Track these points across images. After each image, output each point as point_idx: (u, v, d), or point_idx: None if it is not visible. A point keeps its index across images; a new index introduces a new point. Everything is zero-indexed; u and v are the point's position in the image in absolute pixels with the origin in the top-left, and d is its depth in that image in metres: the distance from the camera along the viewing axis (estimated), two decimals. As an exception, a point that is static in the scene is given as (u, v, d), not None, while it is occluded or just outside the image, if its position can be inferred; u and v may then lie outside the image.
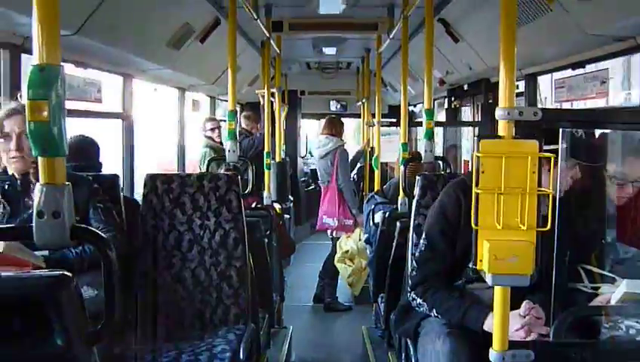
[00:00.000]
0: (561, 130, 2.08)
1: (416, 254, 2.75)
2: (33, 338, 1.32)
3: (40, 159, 1.44)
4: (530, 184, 1.72)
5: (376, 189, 6.08)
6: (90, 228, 1.52)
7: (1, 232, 1.83)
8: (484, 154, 1.74)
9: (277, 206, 5.86)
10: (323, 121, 7.23)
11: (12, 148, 2.62)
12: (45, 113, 1.36)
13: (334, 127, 6.93)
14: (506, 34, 1.77)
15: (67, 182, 1.45)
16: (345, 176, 6.79)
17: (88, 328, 1.41)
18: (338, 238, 6.95)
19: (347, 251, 6.73)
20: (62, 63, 1.45)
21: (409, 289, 2.65)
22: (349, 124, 11.89)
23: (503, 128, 1.75)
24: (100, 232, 1.49)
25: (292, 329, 5.43)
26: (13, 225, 2.54)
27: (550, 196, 1.73)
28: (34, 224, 1.43)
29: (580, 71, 4.08)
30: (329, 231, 7.08)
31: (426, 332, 2.62)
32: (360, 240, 6.64)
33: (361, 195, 8.34)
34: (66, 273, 1.36)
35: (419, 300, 2.62)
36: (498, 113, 1.75)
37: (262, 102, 6.44)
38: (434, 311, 2.55)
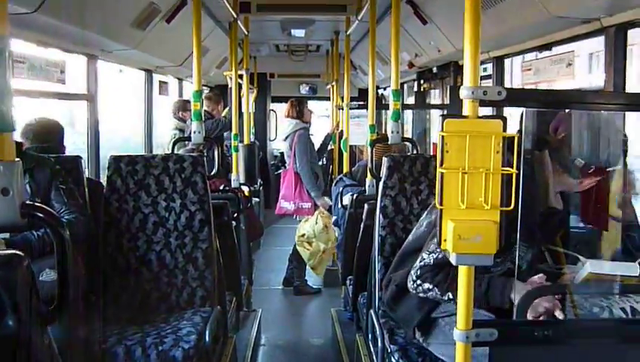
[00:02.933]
0: (524, 109, 2.09)
1: (432, 243, 2.63)
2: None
3: None
4: (495, 164, 1.72)
5: (345, 171, 6.07)
6: (42, 206, 1.48)
7: None
8: (448, 133, 1.73)
9: (245, 188, 5.82)
10: None
11: None
12: (-12, 87, 1.32)
13: (294, 109, 6.86)
14: (470, 12, 1.76)
15: (17, 159, 1.41)
16: (302, 158, 6.66)
17: (41, 309, 1.38)
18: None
19: (303, 235, 6.70)
20: (18, 40, 1.40)
21: (414, 277, 2.51)
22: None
23: (467, 108, 1.75)
24: (52, 211, 1.46)
25: (261, 312, 5.43)
26: None
27: (514, 175, 1.73)
28: None
29: (547, 53, 4.10)
30: (294, 216, 7.05)
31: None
32: (316, 223, 6.62)
33: (331, 178, 8.33)
34: (18, 253, 1.32)
35: (427, 285, 2.47)
36: (463, 93, 1.74)
37: (230, 85, 6.37)
38: (448, 294, 2.43)
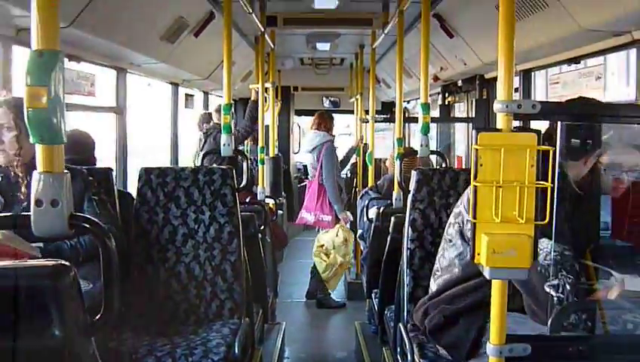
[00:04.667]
0: (559, 123, 2.08)
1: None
2: (31, 328, 1.30)
3: (38, 147, 1.42)
4: (529, 177, 1.72)
5: (370, 185, 6.07)
6: (89, 216, 1.51)
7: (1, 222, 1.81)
8: (482, 147, 1.73)
9: (270, 201, 5.84)
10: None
11: None
12: (44, 100, 1.35)
13: (322, 122, 6.88)
14: (504, 26, 1.76)
15: (66, 171, 1.43)
16: (329, 171, 6.70)
17: (86, 319, 1.39)
18: (326, 233, 6.94)
19: (322, 245, 6.70)
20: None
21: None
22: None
23: (501, 121, 1.75)
24: (99, 221, 1.48)
25: (285, 324, 5.43)
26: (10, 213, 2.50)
27: (549, 189, 1.73)
28: (32, 212, 1.41)
29: (575, 67, 4.08)
30: (317, 228, 7.05)
31: None
32: (337, 235, 6.62)
33: (355, 191, 8.33)
34: (64, 263, 1.34)
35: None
36: (496, 106, 1.74)
37: (253, 97, 6.41)
38: None
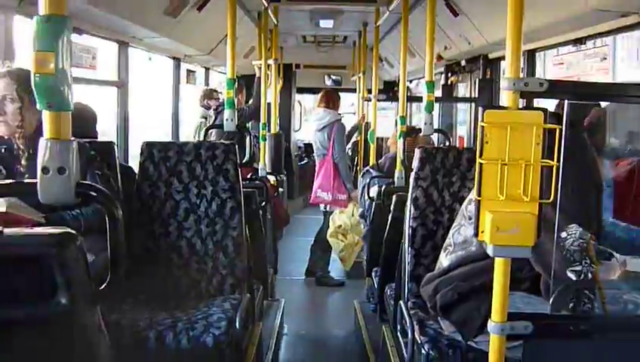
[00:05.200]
0: (566, 101, 2.07)
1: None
2: (37, 296, 1.30)
3: (45, 113, 1.41)
4: (535, 155, 1.71)
5: (371, 163, 6.06)
6: (96, 185, 1.50)
7: (5, 188, 1.80)
8: (488, 124, 1.73)
9: (271, 178, 5.84)
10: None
11: None
12: (52, 65, 1.33)
13: (331, 100, 6.86)
14: (513, 3, 1.74)
15: (73, 139, 1.42)
16: (341, 150, 6.71)
17: (92, 287, 1.39)
18: (331, 213, 6.94)
19: (340, 226, 6.72)
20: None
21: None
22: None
23: (508, 99, 1.74)
24: (106, 190, 1.47)
25: (284, 301, 5.44)
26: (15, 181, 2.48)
27: (554, 167, 1.72)
28: (38, 180, 1.40)
29: (580, 47, 4.05)
30: (322, 206, 7.05)
31: None
32: (353, 215, 6.63)
33: (356, 170, 8.33)
34: (70, 231, 1.34)
35: None
36: (504, 84, 1.73)
37: (258, 74, 6.38)
38: None
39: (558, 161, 1.73)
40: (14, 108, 2.58)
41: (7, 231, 1.32)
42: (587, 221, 2.47)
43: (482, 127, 1.73)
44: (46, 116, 1.41)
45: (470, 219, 2.78)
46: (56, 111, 1.41)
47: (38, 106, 1.40)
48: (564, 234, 2.30)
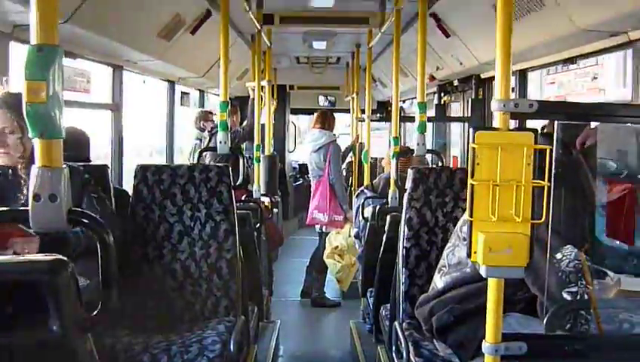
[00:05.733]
0: (556, 122, 2.08)
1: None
2: (28, 323, 1.30)
3: (37, 141, 1.41)
4: (526, 176, 1.72)
5: (365, 184, 6.08)
6: (87, 212, 1.51)
7: None
8: (479, 145, 1.73)
9: (266, 199, 5.84)
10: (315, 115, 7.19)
11: None
12: (43, 94, 1.34)
13: (327, 121, 6.90)
14: (502, 25, 1.76)
15: (64, 166, 1.43)
16: (337, 170, 6.75)
17: (83, 315, 1.39)
18: (327, 233, 6.94)
19: (337, 247, 6.71)
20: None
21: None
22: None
23: (499, 120, 1.75)
24: (97, 217, 1.47)
25: (279, 323, 5.43)
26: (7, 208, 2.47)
27: (545, 188, 1.73)
28: (30, 207, 1.40)
29: (571, 67, 4.09)
30: (317, 226, 7.05)
31: None
32: (350, 236, 6.63)
33: (350, 190, 8.34)
34: (62, 258, 1.34)
35: None
36: (494, 105, 1.74)
37: (252, 96, 6.41)
38: None
39: (550, 181, 1.74)
40: (15, 138, 2.56)
41: (-1, 257, 1.32)
42: (581, 242, 2.48)
43: (473, 148, 1.74)
44: (38, 144, 1.42)
45: (464, 240, 2.78)
46: (47, 139, 1.41)
47: (30, 135, 1.41)
48: (559, 256, 2.31)
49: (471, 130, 1.77)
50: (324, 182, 6.75)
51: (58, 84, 1.38)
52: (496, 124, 1.76)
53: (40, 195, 1.41)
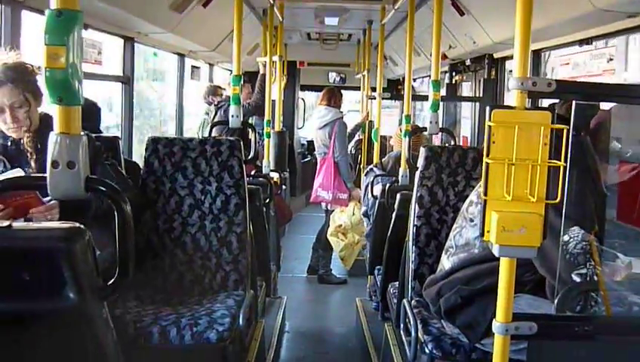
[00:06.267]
0: (574, 102, 2.06)
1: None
2: (45, 290, 1.30)
3: (55, 108, 1.40)
4: (542, 156, 1.71)
5: (374, 162, 6.06)
6: (105, 180, 1.50)
7: (15, 182, 1.79)
8: (495, 124, 1.72)
9: (275, 175, 5.84)
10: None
11: (8, 121, 2.55)
12: (62, 60, 1.33)
13: (333, 98, 6.84)
14: (522, 2, 1.74)
15: (82, 133, 1.42)
16: (342, 148, 6.70)
17: (99, 283, 1.39)
18: (332, 211, 6.94)
19: (340, 225, 6.71)
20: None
21: None
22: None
23: (516, 99, 1.73)
24: (114, 184, 1.47)
25: (286, 299, 5.45)
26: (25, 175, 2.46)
27: (561, 168, 1.72)
28: (47, 174, 1.40)
29: (586, 48, 4.04)
30: (323, 204, 7.04)
31: None
32: (354, 214, 6.63)
33: (359, 168, 8.32)
34: (79, 225, 1.34)
35: None
36: (512, 83, 1.73)
37: (262, 71, 6.37)
38: None
39: (565, 161, 1.72)
40: (23, 112, 2.57)
41: (15, 225, 1.32)
42: (588, 225, 2.47)
43: (489, 126, 1.72)
44: (56, 110, 1.41)
45: (471, 221, 2.77)
46: (66, 105, 1.40)
47: (48, 101, 1.40)
48: (566, 238, 2.30)
49: (487, 108, 1.75)
50: (328, 159, 6.72)
51: (77, 51, 1.37)
52: (511, 102, 1.75)
53: (58, 162, 1.40)
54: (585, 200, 2.46)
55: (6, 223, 1.34)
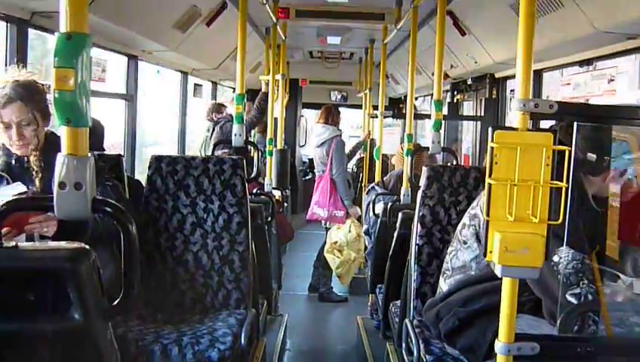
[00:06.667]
0: (575, 123, 2.08)
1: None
2: (51, 311, 1.31)
3: (63, 129, 1.42)
4: (544, 177, 1.72)
5: (376, 180, 6.07)
6: (111, 201, 1.51)
7: (21, 203, 1.80)
8: (498, 145, 1.73)
9: (277, 193, 5.84)
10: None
11: (14, 138, 2.55)
12: (71, 82, 1.35)
13: (331, 116, 6.84)
14: (524, 25, 1.76)
15: (89, 155, 1.43)
16: (339, 166, 6.67)
17: (104, 303, 1.40)
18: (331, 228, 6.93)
19: (336, 242, 6.69)
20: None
21: None
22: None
23: (518, 120, 1.75)
24: (120, 207, 1.48)
25: (287, 317, 5.44)
26: (31, 196, 2.46)
27: (563, 189, 1.73)
28: (54, 195, 1.41)
29: (587, 68, 4.07)
30: (323, 222, 7.04)
31: None
32: (350, 231, 6.61)
33: (360, 186, 8.33)
34: (84, 246, 1.35)
35: None
36: (514, 105, 1.74)
37: (264, 89, 6.40)
38: None
39: (567, 182, 1.73)
40: (31, 130, 2.58)
41: (21, 245, 1.33)
42: (578, 243, 2.47)
43: (492, 147, 1.74)
44: (64, 132, 1.43)
45: (464, 243, 2.78)
46: (74, 127, 1.42)
47: (56, 122, 1.41)
48: (556, 258, 2.31)
49: (490, 129, 1.77)
50: (325, 177, 6.72)
51: (86, 73, 1.39)
52: (513, 122, 1.76)
53: (65, 183, 1.41)
54: (572, 218, 2.46)
55: (12, 243, 1.35)
